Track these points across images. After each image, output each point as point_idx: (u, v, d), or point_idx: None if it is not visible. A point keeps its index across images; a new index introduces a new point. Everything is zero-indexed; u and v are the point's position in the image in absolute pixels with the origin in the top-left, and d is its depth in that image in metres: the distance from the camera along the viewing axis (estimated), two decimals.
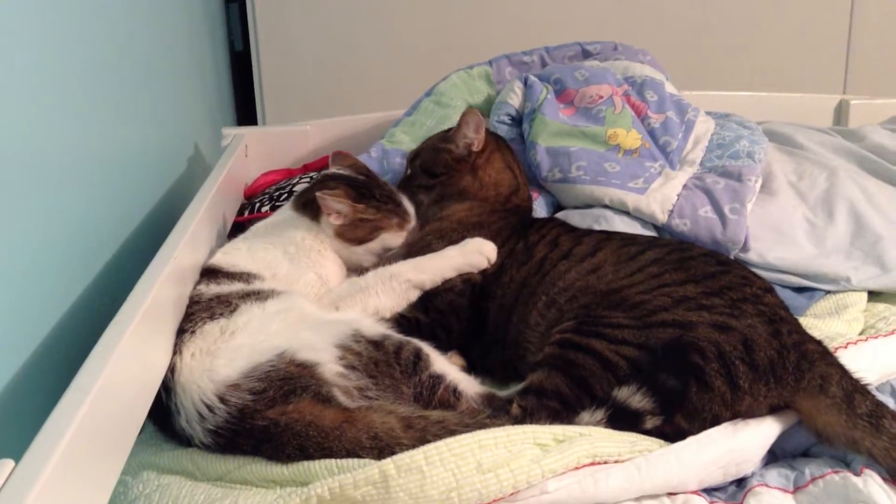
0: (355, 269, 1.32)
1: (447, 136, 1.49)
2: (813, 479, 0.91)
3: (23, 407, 0.92)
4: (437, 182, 1.46)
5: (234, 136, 1.88)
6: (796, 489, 0.91)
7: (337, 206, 1.28)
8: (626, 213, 1.46)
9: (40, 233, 1.03)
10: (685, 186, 1.47)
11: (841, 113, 2.23)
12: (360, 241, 1.31)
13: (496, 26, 2.57)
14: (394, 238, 1.33)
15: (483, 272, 1.27)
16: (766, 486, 0.92)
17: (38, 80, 1.08)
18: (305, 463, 0.90)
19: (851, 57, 2.64)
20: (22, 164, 1.00)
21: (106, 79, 1.37)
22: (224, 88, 2.55)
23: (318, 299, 1.24)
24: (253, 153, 1.91)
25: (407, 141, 1.78)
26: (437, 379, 1.04)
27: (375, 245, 1.32)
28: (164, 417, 1.02)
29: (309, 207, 1.33)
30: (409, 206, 1.38)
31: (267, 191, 1.75)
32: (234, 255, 1.27)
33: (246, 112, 2.71)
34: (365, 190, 1.33)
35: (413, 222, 1.37)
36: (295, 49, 2.61)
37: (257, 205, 1.66)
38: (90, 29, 1.31)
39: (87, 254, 1.19)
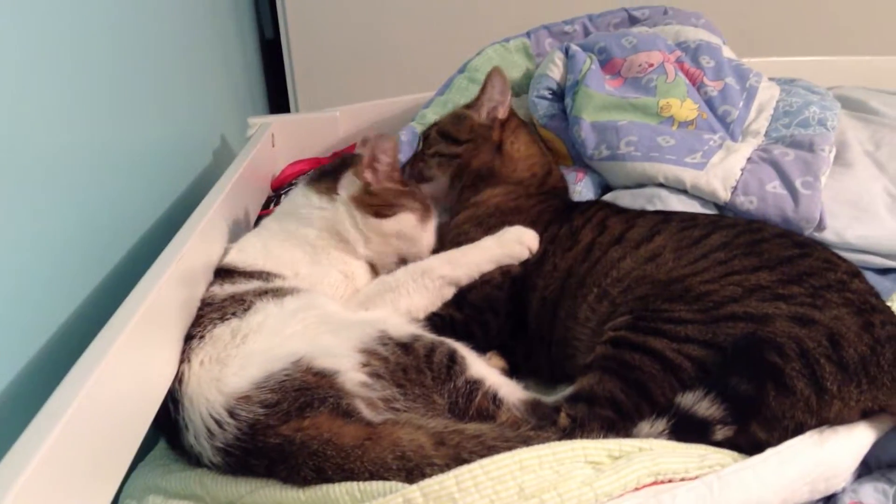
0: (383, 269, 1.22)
1: (468, 103, 1.40)
2: None
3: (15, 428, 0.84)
4: (460, 151, 1.36)
5: (259, 126, 1.81)
6: None
7: (385, 150, 1.20)
8: (684, 191, 1.34)
9: (41, 232, 0.96)
10: (750, 160, 1.34)
11: None
12: (378, 214, 1.20)
13: None
14: (413, 227, 1.22)
15: (524, 262, 1.17)
16: (860, 502, 0.84)
17: (60, 73, 1.04)
18: (324, 486, 0.80)
19: None
20: (34, 159, 0.95)
21: (128, 70, 1.32)
22: (254, 77, 2.49)
23: (344, 301, 1.14)
24: (281, 142, 1.84)
25: None
26: (475, 384, 0.94)
27: (392, 224, 1.21)
28: (173, 433, 0.93)
29: (323, 179, 1.25)
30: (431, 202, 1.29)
31: (294, 181, 1.66)
32: (251, 253, 1.18)
33: (280, 101, 2.66)
34: None
35: (435, 219, 1.28)
36: (326, 34, 2.53)
37: (283, 196, 1.58)
38: (114, 18, 1.26)
39: (93, 255, 1.12)
